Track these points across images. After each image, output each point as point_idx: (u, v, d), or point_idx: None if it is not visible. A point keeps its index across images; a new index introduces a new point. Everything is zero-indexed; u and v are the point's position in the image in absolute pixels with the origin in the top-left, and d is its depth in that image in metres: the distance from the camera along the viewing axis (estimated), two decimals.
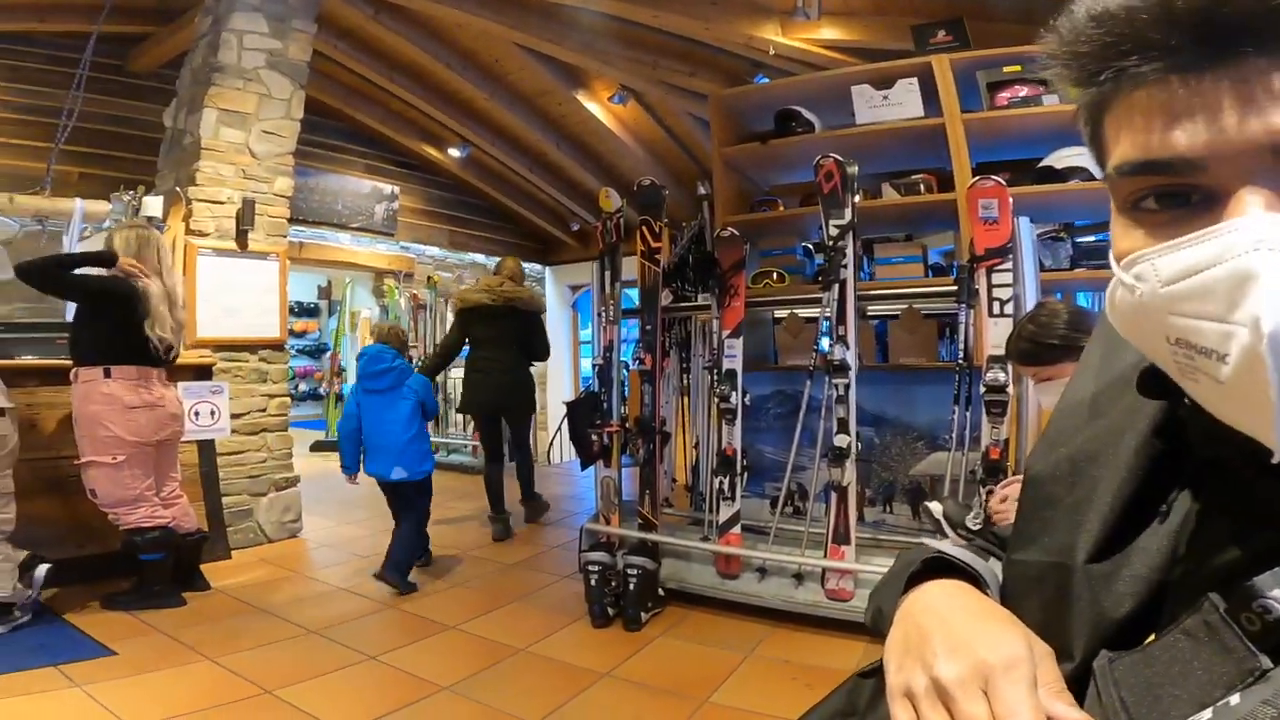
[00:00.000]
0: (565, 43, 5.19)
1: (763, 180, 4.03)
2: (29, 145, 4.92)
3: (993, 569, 0.57)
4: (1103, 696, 0.41)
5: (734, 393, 3.02)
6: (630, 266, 3.39)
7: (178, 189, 3.97)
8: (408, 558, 3.40)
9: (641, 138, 6.76)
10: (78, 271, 2.94)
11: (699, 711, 2.19)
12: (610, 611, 2.90)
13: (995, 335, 2.50)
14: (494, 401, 4.39)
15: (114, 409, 2.88)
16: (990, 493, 2.47)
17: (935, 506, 2.08)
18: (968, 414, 2.64)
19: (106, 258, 2.95)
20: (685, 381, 3.71)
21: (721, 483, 3.03)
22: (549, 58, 5.63)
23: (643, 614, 2.87)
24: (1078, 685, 0.43)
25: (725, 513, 3.02)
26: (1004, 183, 2.57)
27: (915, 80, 3.19)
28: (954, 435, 2.64)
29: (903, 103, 3.22)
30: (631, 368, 3.44)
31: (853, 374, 2.72)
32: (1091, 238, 3.09)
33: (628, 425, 3.32)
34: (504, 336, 4.29)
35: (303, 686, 2.30)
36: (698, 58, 5.24)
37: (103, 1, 4.30)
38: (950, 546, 0.58)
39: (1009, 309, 2.50)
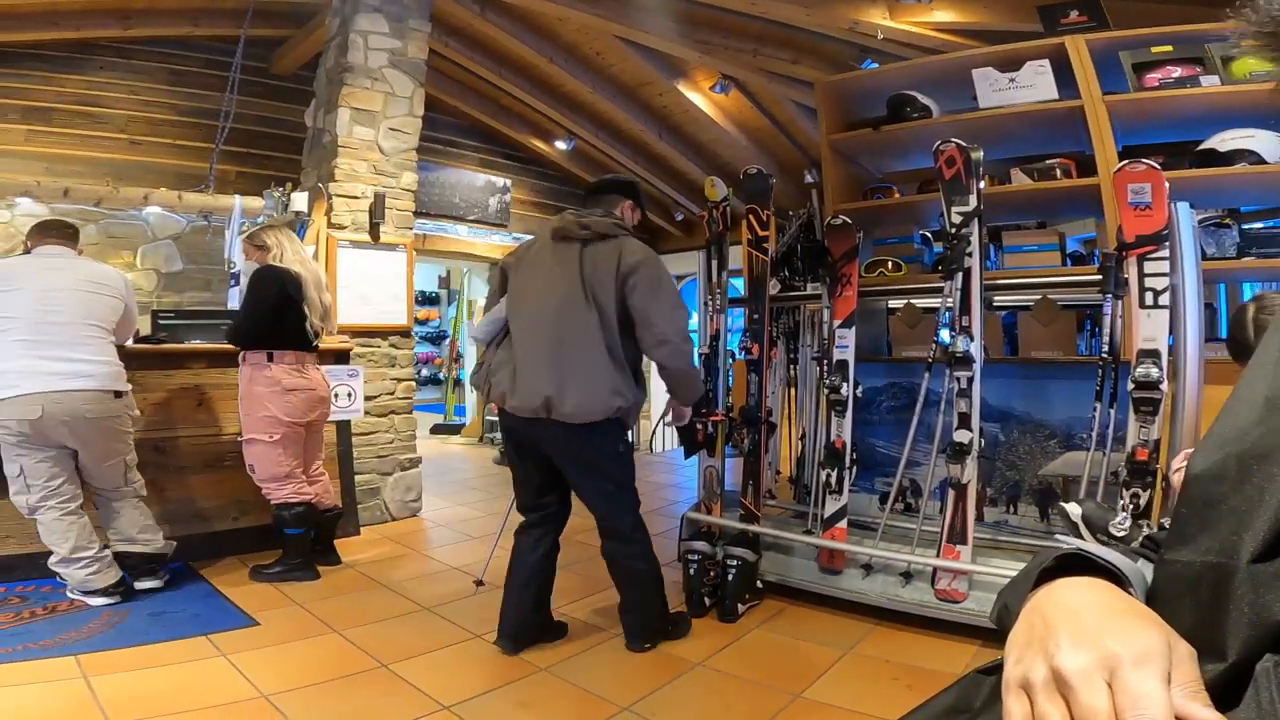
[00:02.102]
0: (664, 33, 5.08)
1: (875, 167, 3.78)
2: (193, 146, 5.29)
3: (1141, 570, 0.52)
4: (1261, 700, 0.37)
5: (845, 384, 2.85)
6: (736, 256, 3.27)
7: (320, 185, 4.13)
8: None
9: (745, 126, 6.55)
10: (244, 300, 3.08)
11: (791, 706, 2.08)
12: (707, 601, 2.80)
13: (1148, 328, 2.21)
14: None
15: (274, 391, 3.01)
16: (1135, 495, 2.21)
17: (1073, 508, 1.85)
18: (1111, 412, 2.36)
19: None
20: (792, 372, 3.55)
21: (829, 476, 2.87)
22: (649, 49, 5.53)
23: (739, 605, 2.77)
24: (1230, 687, 0.39)
25: (831, 506, 2.86)
26: (1158, 166, 2.27)
27: (1046, 62, 2.91)
28: (1094, 434, 2.36)
29: (1033, 85, 2.94)
30: (737, 357, 3.33)
31: (977, 367, 2.49)
32: (1259, 224, 2.70)
33: (732, 415, 3.21)
34: None
35: (415, 661, 2.33)
36: (799, 44, 5.01)
37: (246, 5, 4.55)
38: (1089, 544, 0.53)
39: (1164, 300, 2.20)
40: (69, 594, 2.68)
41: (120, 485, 2.76)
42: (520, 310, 2.37)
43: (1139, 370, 2.22)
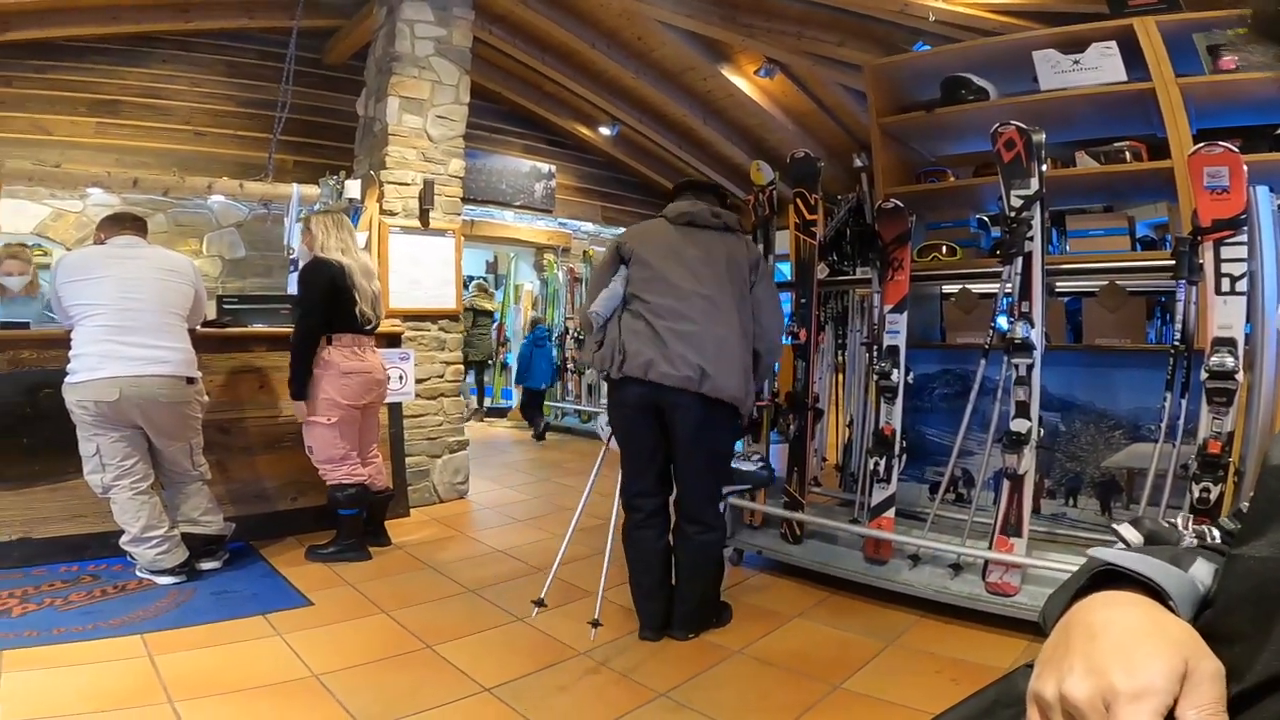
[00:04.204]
0: (705, 17, 4.98)
1: (928, 150, 3.64)
2: (252, 136, 5.41)
3: (1192, 576, 0.50)
4: None
5: (895, 370, 2.76)
6: (783, 240, 3.19)
7: (372, 172, 4.16)
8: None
9: (790, 110, 6.41)
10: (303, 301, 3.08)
11: (830, 696, 2.03)
12: None
13: (1223, 315, 2.08)
14: (486, 353, 7.88)
15: (331, 374, 3.04)
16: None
17: (1129, 532, 1.73)
18: (1182, 402, 2.24)
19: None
20: (840, 358, 3.47)
21: (877, 464, 2.79)
22: (691, 33, 5.43)
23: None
24: None
25: (879, 495, 2.78)
26: (1235, 149, 2.13)
27: (1114, 44, 2.75)
28: (1164, 425, 2.24)
29: (1098, 67, 2.79)
30: (784, 342, 3.26)
31: (1038, 354, 2.37)
32: None
33: (778, 400, 3.15)
34: (487, 318, 7.65)
35: (458, 643, 2.34)
36: (846, 26, 4.84)
37: None
38: (1126, 555, 0.51)
39: (1241, 286, 2.07)
40: (138, 573, 2.75)
41: (188, 469, 2.83)
42: (660, 282, 2.38)
43: (1213, 359, 2.09)
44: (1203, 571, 0.51)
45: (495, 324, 8.11)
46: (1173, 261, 2.22)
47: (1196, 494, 2.10)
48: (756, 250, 2.53)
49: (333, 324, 3.06)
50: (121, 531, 2.67)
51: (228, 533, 2.97)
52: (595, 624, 2.35)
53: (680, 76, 6.31)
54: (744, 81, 6.06)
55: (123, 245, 2.77)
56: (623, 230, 8.89)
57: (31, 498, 2.85)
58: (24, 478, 2.84)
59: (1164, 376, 2.28)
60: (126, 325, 2.62)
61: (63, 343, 2.68)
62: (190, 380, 2.77)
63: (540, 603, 2.46)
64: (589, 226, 8.11)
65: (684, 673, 2.16)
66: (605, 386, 2.58)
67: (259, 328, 3.54)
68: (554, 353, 7.18)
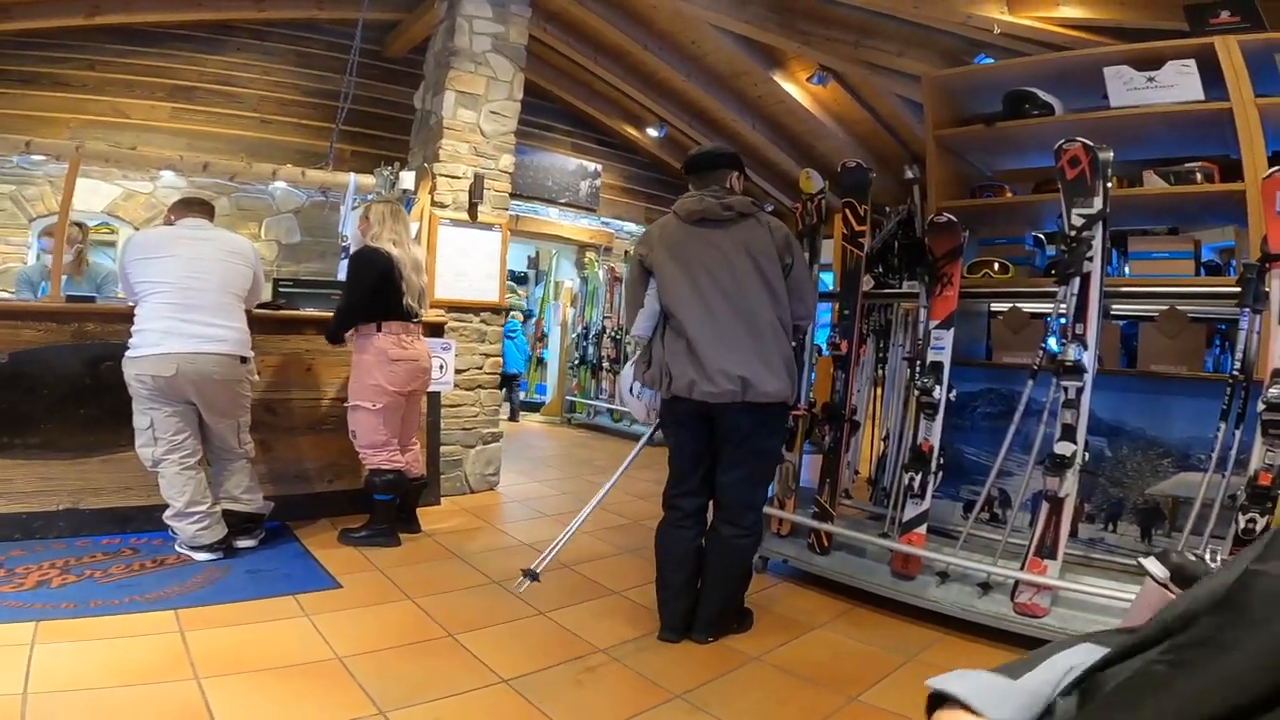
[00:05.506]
0: (760, 22, 4.96)
1: (985, 165, 3.55)
2: (314, 125, 5.58)
3: (1036, 679, 0.58)
4: None
5: (938, 386, 2.71)
6: (827, 250, 3.15)
7: (425, 165, 4.23)
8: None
9: (842, 119, 6.34)
10: (353, 284, 3.12)
11: (845, 708, 2.00)
12: None
13: None
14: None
15: (380, 361, 3.09)
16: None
17: (1154, 567, 1.65)
18: (1237, 433, 2.16)
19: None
20: (880, 371, 3.42)
21: (912, 479, 2.74)
22: (745, 38, 5.41)
23: None
24: None
25: (911, 510, 2.72)
26: None
27: (1192, 62, 2.66)
28: (1215, 455, 2.16)
29: (1175, 85, 2.69)
30: (824, 353, 3.23)
31: (1089, 377, 2.30)
32: None
33: (814, 410, 3.12)
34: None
35: (479, 633, 2.35)
36: (906, 37, 4.78)
37: None
38: (949, 678, 0.60)
39: None
40: (177, 548, 2.80)
41: (234, 446, 2.90)
42: (685, 296, 2.32)
43: (1272, 391, 2.01)
44: (1072, 660, 0.58)
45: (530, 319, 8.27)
46: (1238, 288, 2.13)
47: (1242, 524, 2.03)
48: (781, 230, 2.38)
49: (384, 312, 3.10)
50: (166, 506, 2.74)
51: (266, 511, 3.03)
52: (533, 576, 2.51)
53: (731, 81, 6.29)
54: (796, 88, 6.01)
55: (190, 227, 2.87)
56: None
57: (84, 468, 2.94)
58: (79, 448, 2.92)
59: (1219, 406, 2.20)
60: (188, 303, 2.70)
61: (126, 317, 2.77)
62: (243, 359, 2.85)
63: (533, 575, 2.52)
64: (632, 226, 8.14)
65: (701, 676, 2.15)
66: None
67: (311, 311, 3.62)
68: (525, 343, 7.96)
